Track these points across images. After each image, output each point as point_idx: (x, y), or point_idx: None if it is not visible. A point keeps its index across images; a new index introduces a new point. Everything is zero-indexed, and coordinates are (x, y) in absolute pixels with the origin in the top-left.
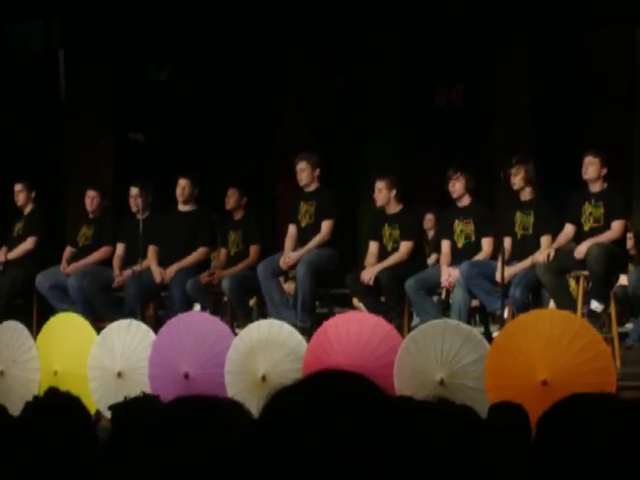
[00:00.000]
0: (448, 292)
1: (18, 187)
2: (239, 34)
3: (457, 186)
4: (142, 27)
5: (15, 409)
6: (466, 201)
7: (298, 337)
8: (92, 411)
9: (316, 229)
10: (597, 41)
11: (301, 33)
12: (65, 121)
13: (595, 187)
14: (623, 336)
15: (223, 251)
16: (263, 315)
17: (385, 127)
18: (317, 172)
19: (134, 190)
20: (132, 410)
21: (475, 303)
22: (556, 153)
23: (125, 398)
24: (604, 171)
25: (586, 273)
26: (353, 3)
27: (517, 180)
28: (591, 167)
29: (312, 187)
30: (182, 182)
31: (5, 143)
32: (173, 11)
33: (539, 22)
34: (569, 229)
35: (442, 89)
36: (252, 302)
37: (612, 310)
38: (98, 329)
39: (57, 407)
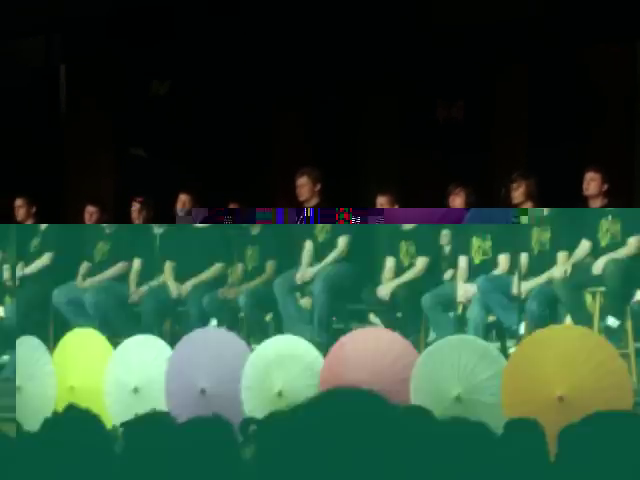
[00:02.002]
0: (465, 308)
1: (19, 202)
2: (238, 49)
3: (457, 201)
4: (143, 42)
5: (31, 425)
6: None
7: (314, 353)
8: (108, 427)
9: (332, 244)
10: (597, 57)
11: (300, 46)
12: (66, 136)
13: (596, 203)
14: None
15: (239, 266)
16: (279, 331)
17: (385, 142)
18: (318, 187)
19: (136, 205)
20: (143, 427)
21: (492, 319)
22: (556, 169)
23: (136, 415)
24: (605, 187)
25: (602, 288)
26: (353, 18)
27: (517, 194)
28: (593, 183)
29: (312, 202)
30: (183, 197)
31: (6, 158)
32: (174, 26)
33: (539, 38)
34: (585, 244)
35: (443, 105)
36: (268, 318)
37: (628, 325)
38: (114, 344)
39: (76, 424)
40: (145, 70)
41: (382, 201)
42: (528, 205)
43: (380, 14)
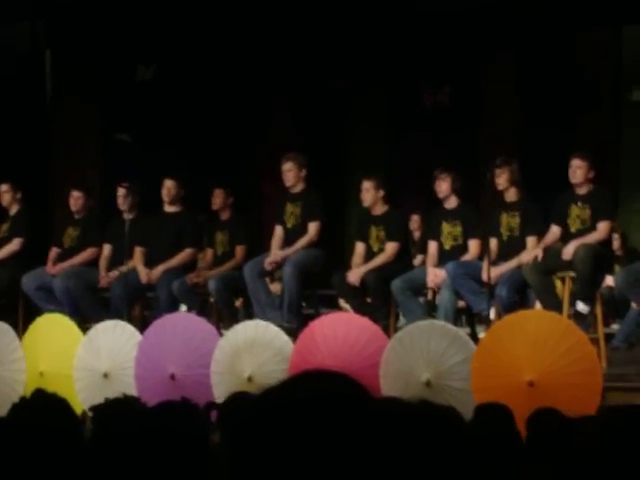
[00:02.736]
0: (434, 293)
1: (4, 188)
2: (226, 34)
3: (443, 186)
4: (129, 27)
5: (0, 410)
6: (453, 202)
7: (284, 338)
8: (78, 412)
9: (302, 230)
10: (584, 42)
11: (288, 33)
12: (52, 121)
13: (582, 189)
14: (609, 337)
15: (210, 252)
16: (249, 316)
17: (372, 128)
18: (303, 173)
19: (121, 191)
20: (113, 411)
21: (461, 304)
22: (543, 154)
23: (106, 399)
24: (591, 174)
25: (572, 274)
26: (340, 4)
27: (502, 181)
28: (579, 171)
29: (298, 188)
30: (168, 183)
31: None
32: (159, 10)
33: (526, 23)
34: (555, 230)
35: (429, 90)
36: (238, 303)
37: (598, 311)
38: (84, 330)
39: (44, 408)
40: (131, 55)
41: (368, 186)
42: (512, 190)
43: (367, 1)
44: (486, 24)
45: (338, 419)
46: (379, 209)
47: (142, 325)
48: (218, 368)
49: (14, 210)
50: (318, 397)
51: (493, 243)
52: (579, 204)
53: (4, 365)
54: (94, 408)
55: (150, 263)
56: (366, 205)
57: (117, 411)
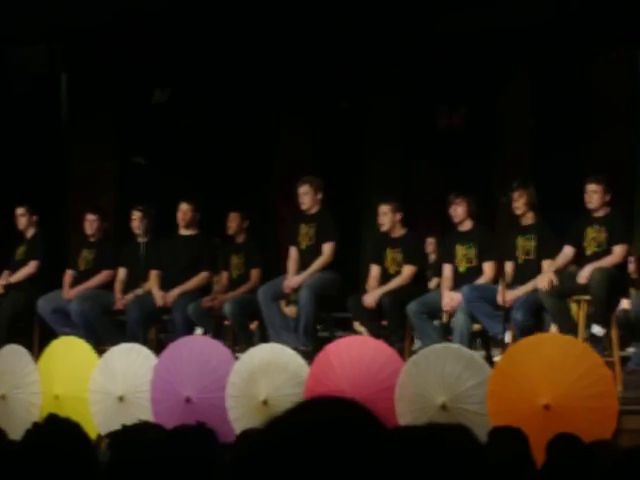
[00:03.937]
0: (450, 316)
1: (20, 211)
2: (239, 56)
3: (459, 210)
4: (144, 50)
5: (16, 433)
6: (468, 225)
7: (300, 361)
8: (93, 435)
9: (316, 251)
10: (599, 65)
11: (303, 56)
12: (67, 145)
13: (598, 212)
14: (625, 360)
15: (225, 275)
16: (264, 339)
17: (386, 151)
18: (320, 196)
19: (136, 214)
20: (129, 437)
21: (477, 327)
22: (558, 177)
23: (122, 426)
24: (608, 197)
25: (588, 297)
26: (355, 25)
27: (520, 205)
28: (595, 195)
29: (313, 210)
30: (183, 206)
31: (7, 167)
32: (174, 35)
33: (541, 46)
34: (567, 252)
35: (444, 112)
36: (253, 326)
37: (614, 334)
38: (100, 353)
39: (57, 433)
40: (147, 79)
41: (385, 209)
42: (529, 214)
43: (382, 23)
44: (501, 46)
45: (346, 447)
46: (397, 232)
47: (158, 348)
48: (234, 391)
49: (30, 233)
50: (324, 425)
51: (509, 266)
52: (595, 226)
53: (20, 388)
54: (110, 435)
55: (166, 286)
56: (385, 229)
57: (133, 438)
